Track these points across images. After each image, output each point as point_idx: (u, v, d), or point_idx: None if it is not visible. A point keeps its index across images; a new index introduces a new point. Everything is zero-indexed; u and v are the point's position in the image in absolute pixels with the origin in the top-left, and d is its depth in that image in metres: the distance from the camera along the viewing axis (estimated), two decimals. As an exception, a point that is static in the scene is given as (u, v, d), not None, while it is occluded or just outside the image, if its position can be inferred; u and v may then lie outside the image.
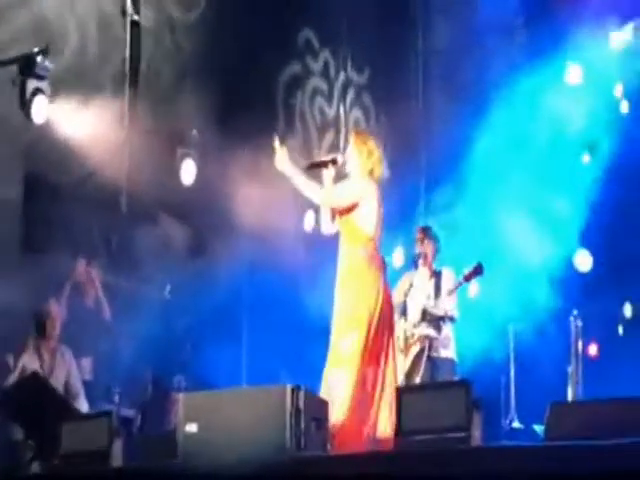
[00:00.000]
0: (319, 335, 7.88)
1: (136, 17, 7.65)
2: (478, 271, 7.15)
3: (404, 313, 7.37)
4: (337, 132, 9.38)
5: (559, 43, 9.28)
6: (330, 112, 9.40)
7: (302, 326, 7.90)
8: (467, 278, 7.22)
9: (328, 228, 5.76)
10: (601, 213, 9.12)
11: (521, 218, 9.00)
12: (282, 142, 5.58)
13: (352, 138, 5.76)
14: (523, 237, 8.92)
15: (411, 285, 7.40)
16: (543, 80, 9.24)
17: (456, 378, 6.94)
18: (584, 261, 9.68)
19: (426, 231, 7.48)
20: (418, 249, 7.45)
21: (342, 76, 9.55)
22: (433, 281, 7.36)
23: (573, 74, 9.74)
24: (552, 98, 9.33)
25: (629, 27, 9.44)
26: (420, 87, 9.86)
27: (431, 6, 9.65)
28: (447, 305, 7.22)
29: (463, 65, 9.49)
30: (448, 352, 7.27)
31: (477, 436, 5.73)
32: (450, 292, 7.21)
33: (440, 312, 7.20)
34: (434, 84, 9.80)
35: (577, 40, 9.18)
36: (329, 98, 9.42)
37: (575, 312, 8.48)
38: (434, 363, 7.14)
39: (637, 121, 9.16)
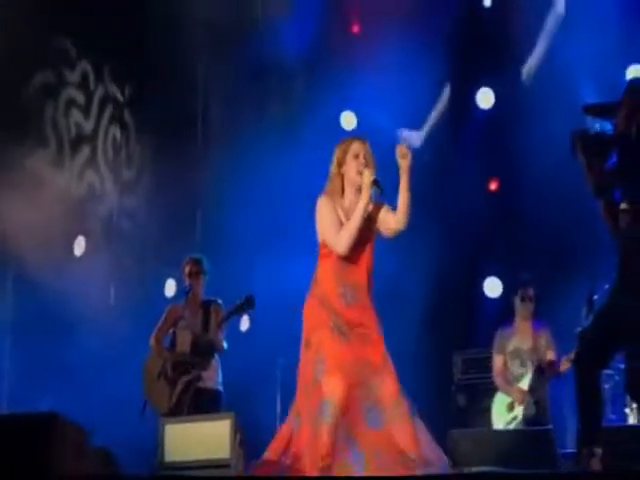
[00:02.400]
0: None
1: None
2: (249, 304, 7.22)
3: (173, 344, 7.36)
4: (94, 147, 9.05)
5: (335, 89, 9.53)
6: (87, 126, 9.04)
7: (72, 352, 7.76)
8: (237, 311, 7.28)
9: None
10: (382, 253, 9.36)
11: (294, 252, 9.15)
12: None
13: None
14: (296, 272, 9.06)
15: (181, 317, 7.39)
16: (319, 125, 9.46)
17: (222, 410, 6.96)
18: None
19: (196, 263, 7.48)
20: (187, 281, 7.46)
21: (102, 90, 9.23)
22: (201, 313, 7.38)
23: (347, 120, 10.03)
24: (328, 143, 9.54)
25: None
26: (199, 120, 9.83)
27: (212, 40, 9.65)
28: (216, 337, 7.25)
29: (240, 106, 9.59)
30: (215, 383, 7.29)
31: (239, 468, 5.81)
32: (219, 324, 7.25)
33: (210, 343, 7.23)
34: (214, 118, 9.84)
35: (352, 86, 9.48)
36: (86, 111, 9.06)
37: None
38: (201, 394, 7.13)
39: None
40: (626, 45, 8.62)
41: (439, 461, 4.97)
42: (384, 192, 5.30)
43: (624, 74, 9.05)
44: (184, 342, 7.28)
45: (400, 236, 5.41)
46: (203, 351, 7.21)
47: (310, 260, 8.91)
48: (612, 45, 8.55)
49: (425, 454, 4.94)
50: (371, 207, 5.29)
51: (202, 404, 6.98)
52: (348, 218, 5.22)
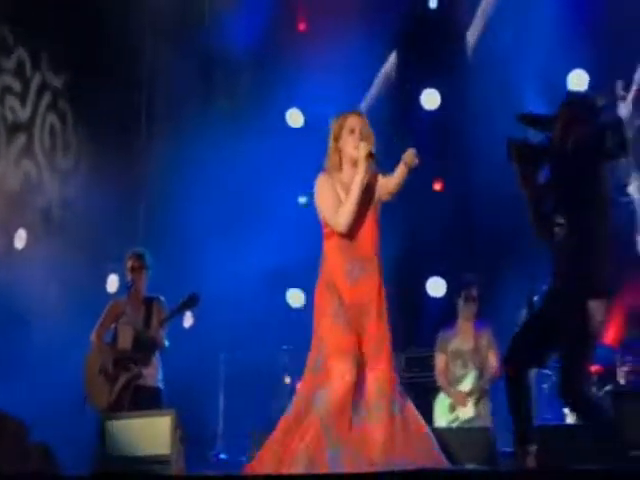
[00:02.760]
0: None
1: None
2: (193, 302, 7.18)
3: (115, 340, 7.30)
4: (30, 135, 8.81)
5: (282, 86, 9.53)
6: (23, 114, 8.78)
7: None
8: (181, 309, 7.24)
9: None
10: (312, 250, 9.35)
11: (238, 247, 9.14)
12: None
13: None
14: (240, 267, 9.05)
15: (123, 312, 7.34)
16: (265, 121, 9.44)
17: (162, 407, 6.93)
18: (296, 298, 9.91)
19: (138, 258, 7.43)
20: (129, 276, 7.40)
21: (39, 78, 8.93)
22: (144, 309, 7.33)
23: (293, 118, 10.03)
24: (274, 140, 9.54)
25: None
26: (143, 112, 9.74)
27: (158, 32, 9.57)
28: (157, 334, 7.20)
29: (186, 98, 9.54)
30: (155, 381, 7.24)
31: (180, 465, 5.80)
32: (162, 322, 7.20)
33: (151, 340, 7.18)
34: (158, 111, 9.76)
35: (299, 84, 9.48)
36: (23, 99, 8.80)
37: (284, 347, 8.67)
38: (140, 391, 7.09)
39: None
40: (568, 50, 8.76)
41: (423, 459, 4.86)
42: (380, 164, 5.25)
43: (565, 79, 9.22)
44: (125, 338, 7.22)
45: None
46: (145, 348, 7.16)
47: (255, 255, 9.02)
48: (554, 50, 8.68)
49: (399, 456, 4.85)
50: (367, 179, 5.18)
51: (142, 401, 6.93)
52: (347, 193, 5.14)
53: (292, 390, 8.79)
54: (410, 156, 5.09)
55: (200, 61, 9.48)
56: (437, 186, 9.84)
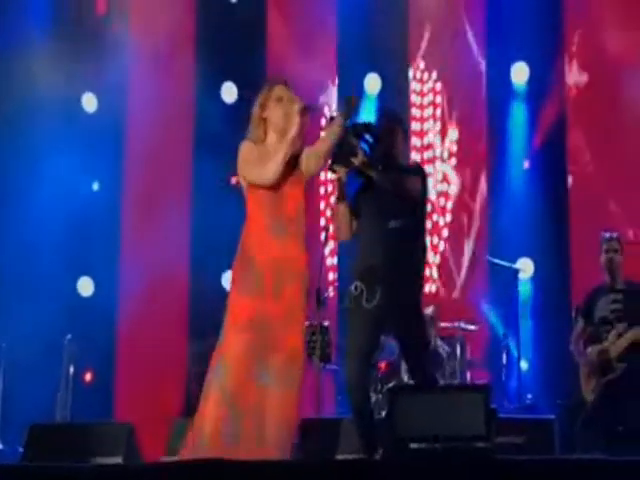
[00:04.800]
0: None
1: None
2: None
3: None
4: None
5: (78, 68, 9.32)
6: None
7: None
8: None
9: None
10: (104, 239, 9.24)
11: (29, 239, 8.92)
12: None
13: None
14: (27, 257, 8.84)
15: None
16: (60, 107, 9.22)
17: None
18: (86, 287, 9.75)
19: None
20: None
21: None
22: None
23: (88, 102, 9.82)
24: (68, 126, 9.32)
25: None
26: None
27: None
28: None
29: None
30: None
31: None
32: None
33: None
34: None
35: (92, 69, 9.30)
36: None
37: (69, 336, 8.49)
38: None
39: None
40: (366, 52, 9.01)
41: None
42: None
43: (363, 80, 9.49)
44: None
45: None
46: None
47: (45, 242, 8.78)
48: (354, 51, 8.92)
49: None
50: (299, 144, 5.08)
51: None
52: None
53: (77, 382, 8.65)
54: (354, 98, 5.10)
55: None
56: (234, 180, 9.84)
